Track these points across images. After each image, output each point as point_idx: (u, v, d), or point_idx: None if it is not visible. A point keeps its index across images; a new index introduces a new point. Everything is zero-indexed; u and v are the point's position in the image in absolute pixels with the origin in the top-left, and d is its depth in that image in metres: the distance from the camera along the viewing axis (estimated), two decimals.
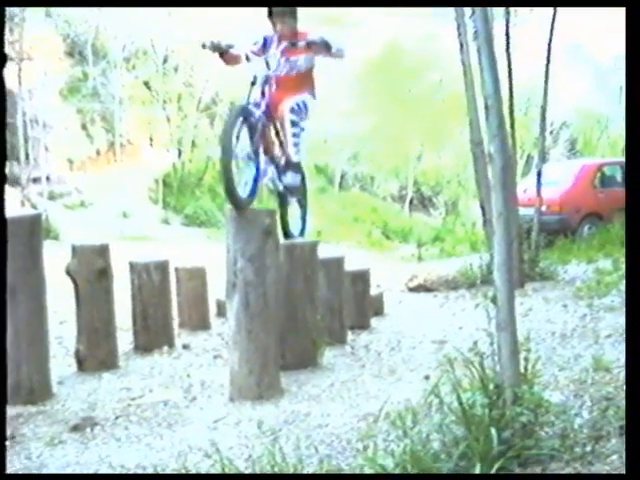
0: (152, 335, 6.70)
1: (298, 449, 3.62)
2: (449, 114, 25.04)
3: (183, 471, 3.58)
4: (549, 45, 10.34)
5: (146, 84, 25.51)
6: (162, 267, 6.84)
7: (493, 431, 3.20)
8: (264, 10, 6.14)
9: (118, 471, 3.88)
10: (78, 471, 3.93)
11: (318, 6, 23.87)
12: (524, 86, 23.06)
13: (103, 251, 6.13)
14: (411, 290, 10.18)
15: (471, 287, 9.73)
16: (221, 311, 7.91)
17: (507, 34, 9.69)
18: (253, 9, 19.10)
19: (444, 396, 3.54)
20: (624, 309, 6.88)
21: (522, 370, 3.56)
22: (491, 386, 3.46)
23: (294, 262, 5.80)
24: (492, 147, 3.46)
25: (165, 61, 25.39)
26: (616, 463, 3.26)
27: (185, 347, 6.83)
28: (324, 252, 6.66)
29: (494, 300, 3.49)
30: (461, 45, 8.84)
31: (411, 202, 31.43)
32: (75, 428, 4.60)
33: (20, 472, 3.93)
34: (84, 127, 24.08)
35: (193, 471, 3.61)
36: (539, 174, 10.49)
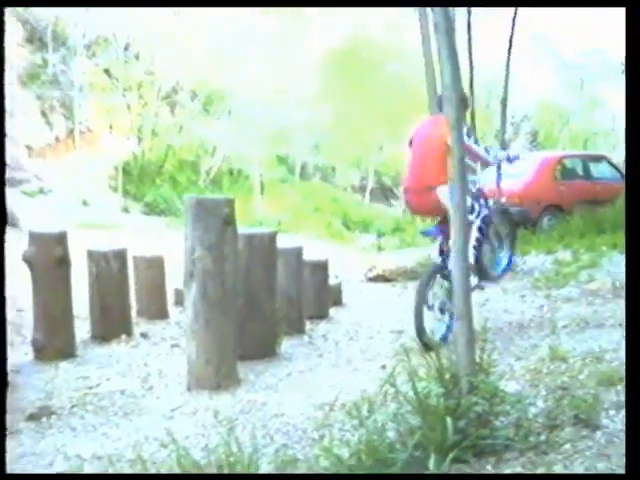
0: (110, 324, 6.65)
1: (254, 438, 3.61)
2: (411, 105, 25.10)
3: (138, 461, 3.55)
4: (511, 37, 10.42)
5: (106, 71, 25.23)
6: (120, 256, 6.78)
7: (448, 420, 3.22)
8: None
9: (73, 460, 3.84)
10: (33, 461, 3.90)
11: (318, 6, 23.84)
12: (486, 78, 23.25)
13: (61, 239, 6.08)
14: (370, 280, 10.19)
15: None
16: (179, 300, 7.85)
17: (469, 25, 9.75)
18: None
19: (400, 385, 3.55)
20: (582, 300, 6.98)
21: (478, 360, 3.59)
22: (447, 375, 3.48)
23: (253, 251, 5.79)
24: (450, 139, 3.47)
25: (126, 49, 25.15)
26: (569, 451, 3.29)
27: (143, 336, 6.78)
28: (283, 242, 6.66)
29: (450, 290, 3.51)
30: (423, 37, 8.88)
31: (372, 192, 31.53)
32: (31, 417, 4.58)
33: None
34: (44, 114, 23.74)
35: (148, 461, 3.58)
36: (499, 166, 10.53)
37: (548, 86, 32.60)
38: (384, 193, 33.06)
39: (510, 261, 7.22)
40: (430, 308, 5.86)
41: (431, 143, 6.22)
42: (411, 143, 6.55)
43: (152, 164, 25.25)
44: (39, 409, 4.70)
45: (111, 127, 25.33)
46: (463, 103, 6.90)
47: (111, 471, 3.61)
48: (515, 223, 7.78)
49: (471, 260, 6.30)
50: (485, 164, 7.23)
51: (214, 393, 4.93)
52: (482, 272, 6.65)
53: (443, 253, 6.26)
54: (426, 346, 5.24)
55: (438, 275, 6.07)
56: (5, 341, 4.63)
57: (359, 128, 27.72)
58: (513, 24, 10.55)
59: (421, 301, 5.81)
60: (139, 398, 4.95)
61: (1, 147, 4.19)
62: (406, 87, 27.75)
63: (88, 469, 3.75)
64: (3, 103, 4.33)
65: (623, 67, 15.90)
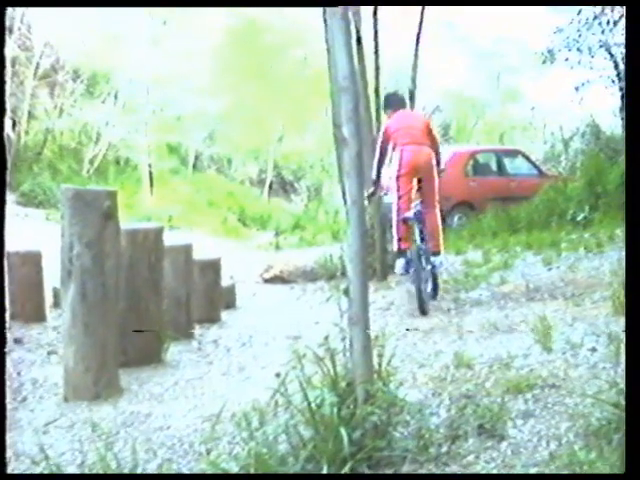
0: None
1: (135, 453, 3.60)
2: (313, 94, 25.16)
3: None
4: (420, 23, 10.57)
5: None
6: None
7: (342, 431, 3.26)
8: None
9: None
10: None
11: (317, 6, 23.56)
12: (393, 66, 23.44)
13: None
14: (267, 281, 10.26)
15: (331, 279, 9.87)
16: (58, 301, 7.75)
17: (375, 11, 9.84)
18: None
19: (293, 394, 3.58)
20: (492, 303, 7.17)
21: (376, 367, 3.65)
22: (342, 384, 3.53)
23: (137, 249, 5.76)
24: (346, 131, 3.53)
25: None
26: (472, 463, 3.39)
27: (17, 342, 6.66)
28: (173, 239, 6.63)
29: (346, 293, 3.56)
30: (325, 22, 8.93)
31: (271, 187, 31.45)
32: None
33: None
34: None
35: None
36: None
37: (462, 76, 32.90)
38: (284, 187, 33.08)
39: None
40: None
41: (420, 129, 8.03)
42: (386, 134, 7.98)
43: (29, 150, 24.70)
44: None
45: None
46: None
47: None
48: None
49: None
50: None
51: (93, 404, 4.87)
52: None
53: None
54: None
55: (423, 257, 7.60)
56: (5, 339, 4.52)
57: (258, 117, 27.62)
58: (422, 9, 10.71)
59: (420, 283, 7.26)
60: (9, 411, 4.83)
61: (1, 146, 4.11)
62: (309, 75, 27.87)
63: None
64: (3, 103, 4.22)
65: (543, 57, 16.36)
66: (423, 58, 11.27)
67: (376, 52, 9.61)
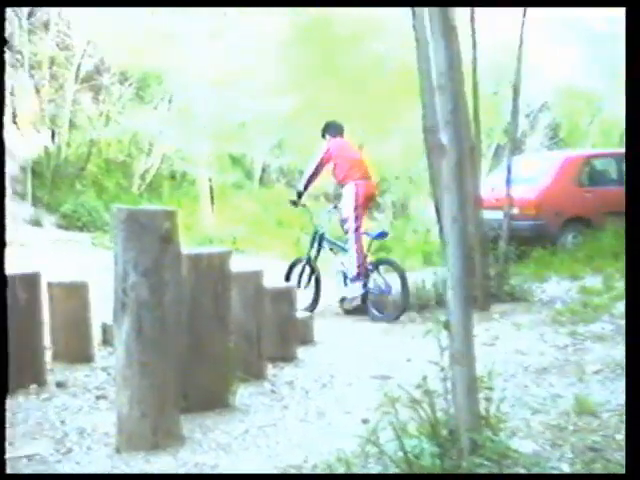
0: (15, 370, 6.53)
1: None
2: (398, 94, 25.12)
3: None
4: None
5: (4, 42, 24.78)
6: (31, 282, 6.73)
7: None
8: None
9: None
10: None
11: (317, 6, 23.86)
12: (494, 59, 23.24)
13: None
14: (348, 312, 10.27)
15: (423, 309, 9.85)
16: (108, 338, 7.86)
17: None
18: None
19: (385, 444, 3.59)
20: (617, 338, 7.04)
21: (483, 412, 3.63)
22: (443, 432, 3.52)
23: (200, 277, 5.80)
24: (444, 137, 3.53)
25: (31, 15, 24.62)
26: None
27: (59, 385, 6.75)
28: (239, 264, 6.68)
29: (447, 326, 3.54)
30: (413, 7, 8.93)
31: None
32: None
33: None
34: None
35: None
36: (509, 169, 10.55)
37: (573, 67, 32.19)
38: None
39: None
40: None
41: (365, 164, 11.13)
42: (328, 154, 10.93)
43: (71, 164, 24.96)
44: None
45: (14, 115, 25.04)
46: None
47: None
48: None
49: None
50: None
51: (151, 455, 4.93)
52: None
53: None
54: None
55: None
56: (6, 345, 4.65)
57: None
58: None
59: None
60: (52, 464, 4.91)
61: (1, 146, 4.25)
62: (392, 71, 27.81)
63: None
64: (3, 102, 4.38)
65: None
66: (528, 46, 11.14)
67: (473, 42, 9.54)
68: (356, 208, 10.58)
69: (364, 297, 10.40)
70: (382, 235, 11.44)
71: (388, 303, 10.14)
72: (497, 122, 26.42)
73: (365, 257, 10.65)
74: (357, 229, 10.62)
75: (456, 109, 3.55)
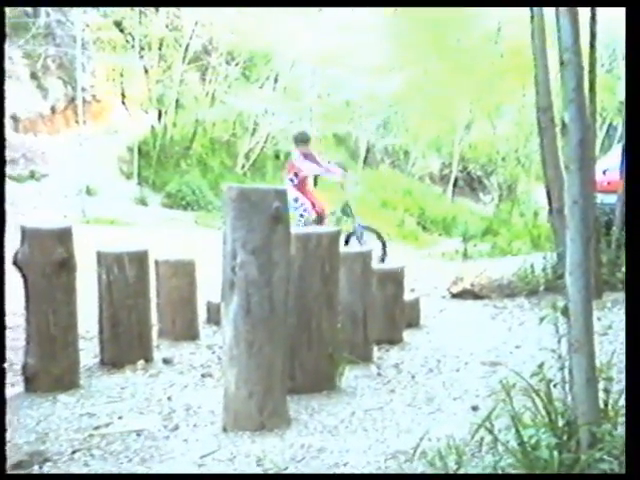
0: (124, 346, 6.68)
1: None
2: (508, 71, 24.84)
3: None
4: None
5: (118, 25, 25.13)
6: (139, 259, 6.78)
7: None
8: None
9: None
10: None
11: (317, 6, 23.81)
12: (610, 33, 22.79)
13: (64, 236, 6.02)
14: (455, 296, 10.17)
15: (532, 295, 9.70)
16: (213, 317, 7.92)
17: None
18: None
19: (498, 432, 3.53)
20: None
21: (602, 404, 3.54)
22: (560, 422, 3.44)
23: (309, 257, 5.79)
24: (567, 115, 3.44)
25: None
26: None
27: (166, 362, 6.84)
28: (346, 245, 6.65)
29: (565, 312, 3.45)
30: None
31: (455, 184, 31.21)
32: (18, 466, 4.46)
33: None
34: (34, 76, 23.52)
35: None
36: (624, 150, 10.30)
37: None
38: (471, 185, 32.86)
39: None
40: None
41: None
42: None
43: (176, 144, 25.26)
44: (29, 455, 4.62)
45: (123, 96, 25.41)
46: None
47: None
48: None
49: None
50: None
51: (257, 435, 4.94)
52: None
53: None
54: None
55: None
56: (4, 347, 4.71)
57: (441, 101, 27.45)
58: None
59: None
60: (160, 441, 4.97)
61: (1, 146, 4.32)
62: (503, 48, 27.51)
63: None
64: (3, 102, 4.44)
65: None
66: None
67: (592, 15, 9.27)
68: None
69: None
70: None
71: None
72: (610, 101, 25.88)
73: None
74: None
75: (579, 86, 3.46)
